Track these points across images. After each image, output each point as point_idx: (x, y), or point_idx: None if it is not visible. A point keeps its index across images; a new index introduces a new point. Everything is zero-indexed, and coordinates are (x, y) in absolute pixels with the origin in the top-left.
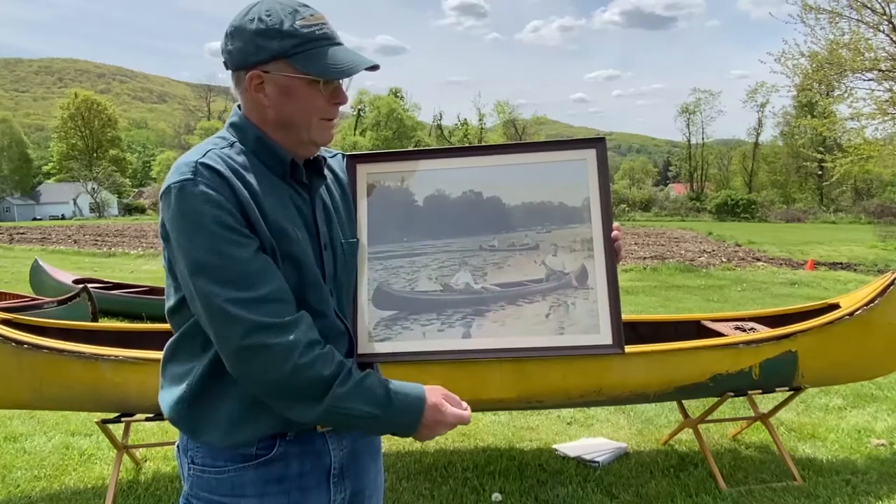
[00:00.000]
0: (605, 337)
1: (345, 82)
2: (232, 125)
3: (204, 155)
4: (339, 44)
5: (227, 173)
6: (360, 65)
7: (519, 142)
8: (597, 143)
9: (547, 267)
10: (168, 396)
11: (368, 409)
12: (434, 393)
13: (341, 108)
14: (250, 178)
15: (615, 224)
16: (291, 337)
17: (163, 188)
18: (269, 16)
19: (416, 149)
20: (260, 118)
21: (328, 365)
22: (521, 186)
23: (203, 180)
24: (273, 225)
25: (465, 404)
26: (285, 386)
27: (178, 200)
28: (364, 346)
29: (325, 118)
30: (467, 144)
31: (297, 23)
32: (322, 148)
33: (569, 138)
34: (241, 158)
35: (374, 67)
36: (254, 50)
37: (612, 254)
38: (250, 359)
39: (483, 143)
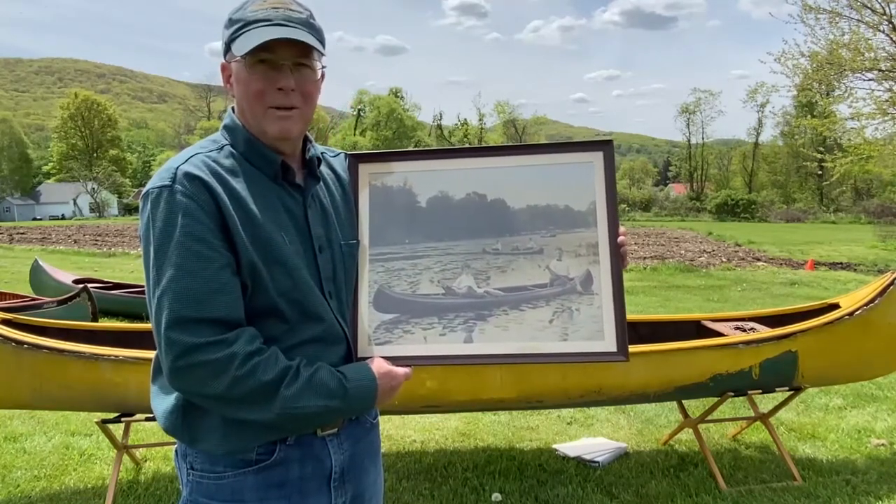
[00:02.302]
0: (609, 344)
1: (324, 73)
2: (225, 127)
3: (187, 160)
4: (280, 24)
5: (209, 179)
6: (267, 37)
7: (524, 143)
8: (604, 145)
9: (551, 272)
10: (161, 406)
11: (324, 403)
12: (378, 364)
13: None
14: (235, 183)
15: (621, 229)
16: (229, 351)
17: (143, 192)
18: (236, 8)
19: (419, 149)
20: (239, 112)
21: (269, 370)
22: (526, 189)
23: (180, 188)
24: (259, 231)
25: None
26: (226, 397)
27: (153, 207)
28: (364, 350)
29: (272, 106)
30: (467, 144)
31: (249, 8)
32: (325, 147)
33: (575, 140)
34: (228, 162)
35: (296, 42)
36: (222, 42)
37: (618, 259)
38: (185, 377)
39: (483, 143)
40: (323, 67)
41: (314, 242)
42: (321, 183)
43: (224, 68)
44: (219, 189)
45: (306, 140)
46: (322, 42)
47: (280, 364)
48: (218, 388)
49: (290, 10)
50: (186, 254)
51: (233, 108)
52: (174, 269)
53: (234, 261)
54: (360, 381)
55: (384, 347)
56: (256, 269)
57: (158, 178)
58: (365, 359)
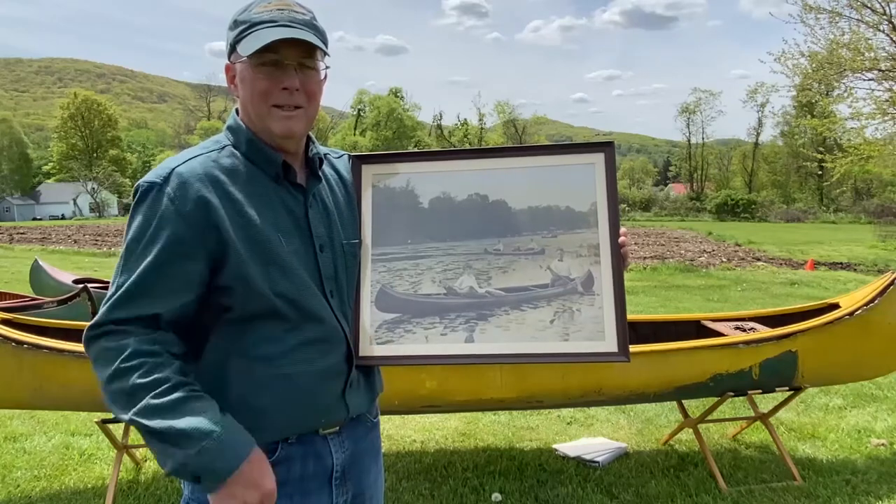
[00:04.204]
0: (609, 344)
1: (322, 72)
2: (228, 128)
3: (185, 162)
4: (286, 25)
5: (201, 185)
6: (273, 37)
7: (526, 145)
8: (605, 147)
9: (552, 272)
10: None
11: (180, 429)
12: (261, 466)
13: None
14: (233, 184)
15: (622, 230)
16: (124, 341)
17: (137, 182)
18: (241, 10)
19: (421, 150)
20: (243, 113)
21: (147, 375)
22: (528, 190)
23: (169, 191)
24: (255, 232)
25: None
26: (105, 386)
27: (139, 202)
28: (365, 349)
29: (276, 105)
30: (467, 144)
31: (254, 10)
32: (329, 149)
33: (577, 142)
34: (228, 162)
35: (300, 42)
36: (227, 43)
37: (619, 260)
38: (90, 350)
39: (483, 143)
40: (326, 68)
41: (315, 242)
42: (323, 182)
43: (228, 69)
44: (211, 194)
45: (309, 140)
46: (325, 43)
47: (162, 374)
48: (105, 373)
49: (295, 11)
50: (152, 258)
51: (236, 110)
52: (137, 265)
53: (208, 269)
54: (233, 440)
55: (385, 347)
56: (250, 272)
57: (154, 173)
58: (366, 358)
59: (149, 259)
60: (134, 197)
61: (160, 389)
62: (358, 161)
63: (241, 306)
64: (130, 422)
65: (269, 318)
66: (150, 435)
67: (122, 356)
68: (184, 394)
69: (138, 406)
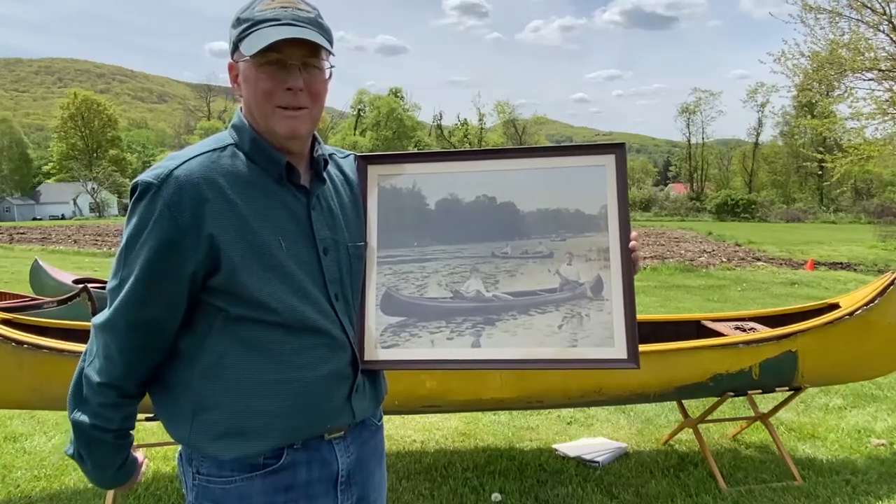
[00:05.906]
0: (619, 350)
1: (327, 71)
2: (233, 126)
3: (185, 162)
4: (289, 24)
5: (198, 190)
6: (276, 37)
7: (535, 146)
8: (616, 148)
9: (561, 276)
10: (166, 412)
11: (87, 457)
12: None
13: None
14: (233, 187)
15: (633, 234)
16: (100, 353)
17: (136, 180)
18: (244, 7)
19: (428, 151)
20: (247, 112)
21: (102, 408)
22: (537, 192)
23: (165, 194)
24: (253, 237)
25: None
26: (80, 364)
27: (136, 202)
28: (370, 353)
29: (280, 105)
30: (467, 144)
31: (257, 7)
32: (335, 148)
33: (587, 143)
34: (229, 164)
35: (304, 41)
36: (229, 41)
37: (629, 264)
38: (91, 335)
39: (483, 144)
40: (331, 67)
41: (318, 245)
42: (328, 184)
43: (231, 68)
44: (208, 199)
45: (314, 140)
46: (330, 41)
47: (111, 414)
48: (86, 362)
49: (299, 9)
50: (144, 263)
51: (241, 108)
52: (130, 272)
53: (202, 273)
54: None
55: (391, 350)
56: (244, 278)
57: (153, 172)
58: (371, 362)
59: (140, 264)
60: (132, 192)
61: (102, 425)
62: (363, 161)
63: (236, 309)
64: (69, 412)
65: (268, 323)
66: (74, 432)
67: (101, 378)
68: (113, 441)
69: (81, 420)
